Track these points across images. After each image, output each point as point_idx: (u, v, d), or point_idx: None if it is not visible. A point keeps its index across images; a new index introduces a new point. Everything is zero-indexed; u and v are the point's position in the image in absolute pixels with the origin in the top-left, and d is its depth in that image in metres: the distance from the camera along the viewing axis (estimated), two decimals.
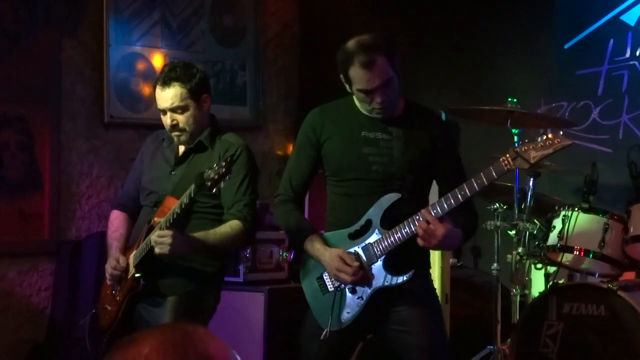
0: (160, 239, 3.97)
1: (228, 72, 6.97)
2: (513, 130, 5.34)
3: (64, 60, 6.09)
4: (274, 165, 7.17)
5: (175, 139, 4.27)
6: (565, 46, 6.28)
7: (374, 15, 7.00)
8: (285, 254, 5.83)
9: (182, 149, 4.33)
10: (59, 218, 6.04)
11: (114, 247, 4.36)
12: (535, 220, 5.28)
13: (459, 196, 3.62)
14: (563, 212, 5.05)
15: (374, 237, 3.77)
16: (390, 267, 3.76)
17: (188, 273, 4.18)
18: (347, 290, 3.81)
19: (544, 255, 5.18)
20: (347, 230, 3.83)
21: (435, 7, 6.77)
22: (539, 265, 5.30)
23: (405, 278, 3.75)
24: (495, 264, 5.36)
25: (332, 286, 3.84)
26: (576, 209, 5.02)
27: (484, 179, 3.60)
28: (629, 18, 6.09)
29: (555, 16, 6.36)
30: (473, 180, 3.62)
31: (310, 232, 3.89)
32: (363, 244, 3.79)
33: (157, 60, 6.52)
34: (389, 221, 3.75)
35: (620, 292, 4.71)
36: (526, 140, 3.59)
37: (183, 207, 3.93)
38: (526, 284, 5.37)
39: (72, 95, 6.15)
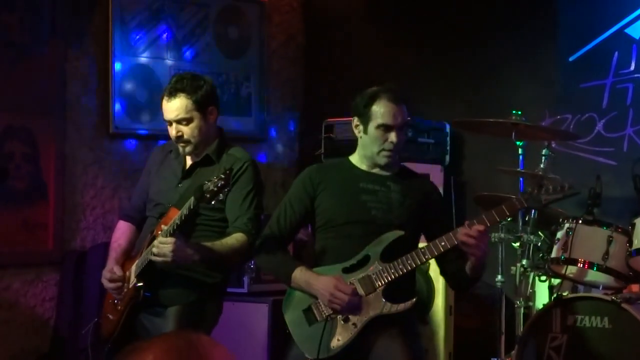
0: (161, 246, 3.98)
1: (233, 83, 6.98)
2: (517, 143, 5.34)
3: (70, 72, 6.11)
4: (278, 176, 7.18)
5: (181, 149, 4.28)
6: (570, 59, 6.28)
7: (378, 27, 7.01)
8: None
9: (189, 161, 4.33)
10: (64, 228, 6.04)
11: (111, 258, 4.38)
12: (539, 233, 5.27)
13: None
14: (567, 225, 5.04)
15: (373, 269, 3.86)
16: (389, 297, 3.84)
17: (190, 283, 4.18)
18: (339, 319, 3.85)
19: (548, 267, 5.18)
20: (341, 265, 3.90)
21: (439, 19, 6.78)
22: (543, 278, 5.29)
23: (408, 305, 3.85)
24: (499, 276, 5.35)
25: (321, 316, 3.88)
26: (580, 221, 5.02)
27: (495, 215, 3.81)
28: (634, 31, 6.09)
29: (560, 29, 6.36)
30: (484, 215, 3.81)
31: (299, 264, 3.95)
32: (360, 276, 3.86)
33: (162, 72, 6.53)
34: (388, 256, 3.86)
35: (624, 305, 4.70)
36: (535, 187, 3.84)
37: (183, 218, 3.94)
38: (530, 296, 5.36)
39: (77, 106, 6.16)
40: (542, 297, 5.38)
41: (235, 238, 4.11)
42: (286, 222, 4.04)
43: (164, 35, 6.60)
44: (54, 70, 6.02)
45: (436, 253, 3.83)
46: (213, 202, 3.86)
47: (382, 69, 6.70)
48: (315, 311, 3.89)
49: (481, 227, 3.74)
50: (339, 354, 3.84)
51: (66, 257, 6.00)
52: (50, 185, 5.97)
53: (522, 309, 5.28)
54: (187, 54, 6.72)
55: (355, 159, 4.07)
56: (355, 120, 3.97)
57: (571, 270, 5.07)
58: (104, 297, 4.51)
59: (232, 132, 6.88)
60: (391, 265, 3.84)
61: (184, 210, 3.92)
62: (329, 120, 6.34)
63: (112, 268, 4.31)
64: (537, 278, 5.34)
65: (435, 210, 4.04)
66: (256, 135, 7.11)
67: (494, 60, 6.54)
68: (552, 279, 5.30)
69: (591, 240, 4.97)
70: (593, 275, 5.11)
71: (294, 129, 7.34)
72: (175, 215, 4.01)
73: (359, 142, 4.02)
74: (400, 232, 3.88)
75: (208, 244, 4.08)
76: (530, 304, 5.34)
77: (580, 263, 4.98)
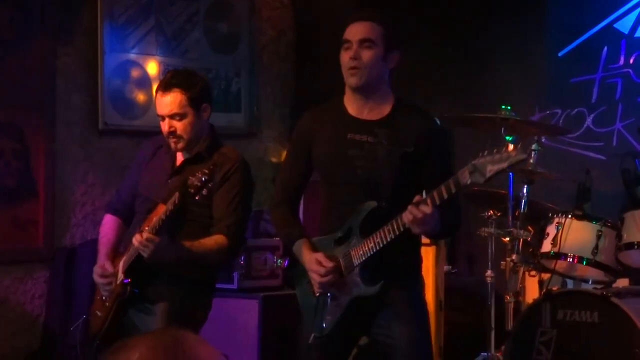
0: (138, 243, 3.99)
1: (223, 79, 6.98)
2: (507, 138, 5.35)
3: (59, 68, 6.10)
4: (269, 172, 7.17)
5: (173, 145, 4.26)
6: (559, 54, 6.29)
7: None
8: (279, 260, 5.82)
9: (180, 158, 4.32)
10: (54, 225, 6.03)
11: (101, 253, 4.37)
12: (529, 227, 5.28)
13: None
14: (557, 219, 5.05)
15: (353, 245, 3.75)
16: (367, 277, 3.74)
17: (179, 280, 4.17)
18: (329, 296, 3.81)
19: (537, 262, 5.19)
20: (333, 236, 3.84)
21: (429, 15, 6.78)
22: (533, 272, 5.31)
23: (377, 289, 3.71)
24: (489, 271, 5.36)
25: (315, 292, 3.85)
26: (570, 216, 5.03)
27: (443, 191, 3.53)
28: (623, 26, 6.10)
29: (549, 24, 6.37)
30: (435, 191, 3.54)
31: (299, 237, 3.90)
32: (345, 251, 3.78)
33: (152, 68, 6.52)
34: (369, 228, 3.71)
35: (613, 299, 4.71)
36: (486, 152, 3.53)
37: (168, 214, 3.92)
38: (520, 291, 5.38)
39: (67, 102, 6.15)
40: (532, 291, 5.39)
41: (215, 240, 4.11)
42: (289, 183, 3.99)
43: (154, 31, 6.59)
44: (43, 66, 6.01)
45: (396, 231, 3.63)
46: (197, 197, 3.85)
47: None
48: (313, 285, 3.86)
49: (427, 210, 3.51)
50: (335, 330, 3.79)
51: (56, 254, 5.99)
52: (39, 182, 5.96)
53: (512, 304, 5.29)
54: (177, 49, 6.71)
55: (346, 99, 3.89)
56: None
57: (561, 264, 5.08)
58: (93, 294, 4.51)
59: (222, 127, 6.85)
60: (367, 240, 3.68)
61: (169, 205, 3.91)
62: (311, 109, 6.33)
63: (103, 264, 4.30)
64: (527, 273, 5.35)
65: (425, 166, 3.78)
66: (246, 131, 7.10)
67: (483, 55, 6.55)
68: (542, 274, 5.32)
69: (581, 235, 4.99)
70: (582, 270, 5.13)
71: (284, 124, 7.33)
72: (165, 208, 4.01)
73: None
74: (374, 204, 3.71)
75: (187, 244, 4.07)
76: (520, 298, 5.36)
77: (570, 257, 5.00)
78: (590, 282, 5.14)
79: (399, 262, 3.79)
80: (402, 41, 3.92)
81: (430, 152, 3.80)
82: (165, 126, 4.22)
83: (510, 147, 3.54)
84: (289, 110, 7.34)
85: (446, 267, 5.87)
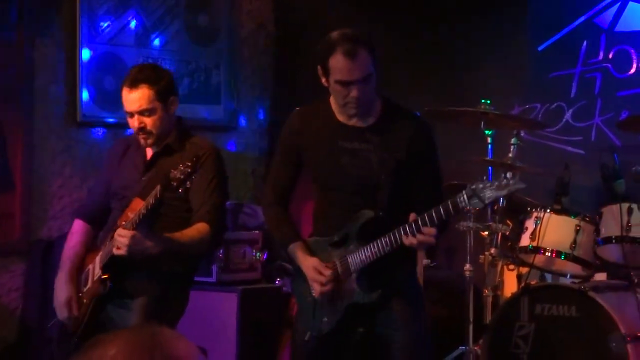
0: (119, 239, 3.96)
1: (202, 71, 6.96)
2: (486, 132, 5.37)
3: (37, 59, 6.06)
4: (248, 165, 7.17)
5: (142, 141, 4.24)
6: (539, 48, 6.31)
7: (349, 16, 7.00)
8: (258, 254, 5.82)
9: (150, 153, 4.30)
10: (30, 218, 6.00)
11: (63, 270, 4.35)
12: (507, 222, 5.30)
13: (412, 228, 3.62)
14: (535, 214, 5.07)
15: (350, 251, 3.76)
16: (364, 284, 3.76)
17: (156, 275, 4.15)
18: (326, 299, 3.81)
19: (516, 256, 5.20)
20: (328, 239, 3.83)
21: (410, 9, 6.78)
22: (512, 266, 5.32)
23: (374, 297, 3.75)
24: (467, 265, 5.37)
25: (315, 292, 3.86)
26: (548, 210, 5.04)
27: (442, 212, 3.59)
28: (602, 21, 6.12)
29: (529, 18, 6.38)
30: (433, 211, 3.59)
31: (294, 238, 3.88)
32: (341, 256, 3.79)
33: (131, 60, 6.49)
34: (367, 236, 3.73)
35: (591, 293, 4.73)
36: (484, 178, 3.62)
37: (149, 207, 3.90)
38: (498, 285, 5.39)
39: (45, 94, 6.12)
40: (510, 285, 5.41)
41: (197, 229, 4.09)
42: (279, 183, 3.96)
43: (133, 23, 6.55)
44: (21, 58, 5.97)
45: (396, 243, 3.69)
46: (180, 190, 3.84)
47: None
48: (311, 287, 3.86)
49: (430, 238, 3.60)
50: (332, 332, 3.80)
51: (33, 247, 5.96)
52: (17, 174, 5.92)
53: (490, 298, 5.30)
54: (156, 41, 6.69)
55: (334, 103, 3.84)
56: (319, 69, 3.76)
57: (539, 259, 5.09)
58: None
59: (201, 120, 6.86)
60: (366, 248, 3.71)
61: (150, 199, 3.89)
62: (298, 108, 6.32)
63: (62, 285, 4.31)
64: (505, 267, 5.36)
65: (417, 169, 3.80)
66: (226, 123, 7.08)
67: (463, 49, 6.55)
68: (521, 268, 5.33)
69: (559, 229, 5.00)
70: (561, 264, 5.14)
71: (264, 117, 7.32)
72: (139, 206, 3.99)
73: (329, 89, 3.81)
74: (371, 213, 3.73)
75: (169, 235, 4.05)
76: (499, 292, 5.37)
77: (548, 252, 5.02)
78: (568, 277, 5.16)
79: (395, 270, 3.81)
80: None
81: (422, 158, 3.82)
82: (134, 122, 4.19)
83: (509, 175, 3.61)
84: (269, 103, 7.33)
85: (425, 261, 5.87)
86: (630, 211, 4.78)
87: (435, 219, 3.58)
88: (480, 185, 3.57)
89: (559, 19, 6.26)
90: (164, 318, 4.00)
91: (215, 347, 5.34)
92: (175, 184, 3.79)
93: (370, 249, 3.70)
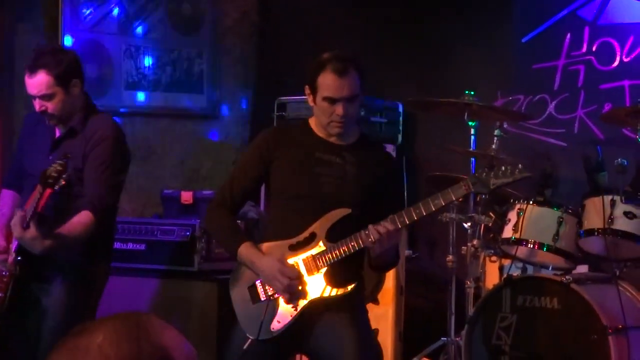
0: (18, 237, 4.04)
1: (185, 60, 6.93)
2: (470, 123, 5.36)
3: (18, 45, 6.03)
4: (230, 154, 7.14)
5: (47, 122, 4.31)
6: (523, 40, 6.31)
7: (331, 6, 6.99)
8: None
9: (58, 131, 4.36)
10: None
11: None
12: (490, 213, 5.30)
13: (414, 214, 3.65)
14: (518, 205, 5.07)
15: (318, 249, 3.74)
16: (331, 280, 3.75)
17: (62, 259, 4.23)
18: (280, 299, 3.77)
19: (498, 248, 5.21)
20: (287, 242, 3.79)
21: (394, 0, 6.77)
22: (494, 258, 5.33)
23: (349, 289, 3.76)
24: (450, 256, 5.37)
25: (264, 295, 3.80)
26: (531, 202, 5.05)
27: (441, 199, 3.65)
28: (586, 13, 6.13)
29: (513, 10, 6.38)
30: (430, 200, 3.65)
31: (246, 238, 3.84)
32: (304, 256, 3.76)
33: (113, 47, 6.46)
34: (334, 236, 3.73)
35: (573, 285, 4.74)
36: (486, 168, 3.67)
37: (36, 206, 3.97)
38: (480, 277, 5.40)
39: None
40: (492, 277, 5.41)
41: (79, 219, 4.12)
42: (239, 189, 3.90)
43: (116, 10, 6.52)
44: (2, 44, 5.93)
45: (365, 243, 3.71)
46: (57, 187, 3.91)
47: (336, 47, 6.66)
48: (259, 289, 3.81)
49: (390, 227, 3.62)
50: (281, 335, 3.76)
51: None
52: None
53: (472, 289, 5.31)
54: (139, 29, 6.65)
55: (313, 123, 3.89)
56: (307, 89, 3.83)
57: (521, 250, 5.10)
58: None
59: (184, 109, 6.84)
60: (336, 245, 3.71)
61: (33, 202, 3.97)
62: (281, 98, 6.32)
63: None
64: (487, 258, 5.37)
65: (388, 186, 3.87)
66: (208, 112, 7.06)
67: (447, 40, 6.54)
68: (503, 260, 5.34)
69: (542, 221, 5.01)
70: (543, 256, 5.15)
71: (247, 106, 7.30)
72: (36, 194, 4.04)
73: (313, 109, 3.86)
74: (347, 210, 3.73)
75: (57, 232, 4.09)
76: (481, 284, 5.38)
77: (531, 244, 5.02)
78: (550, 269, 5.17)
79: (357, 266, 3.85)
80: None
81: (394, 187, 3.92)
82: (37, 105, 4.26)
83: (520, 166, 3.67)
84: (252, 93, 7.30)
85: (407, 252, 5.88)
86: (612, 203, 4.79)
87: (433, 205, 3.63)
88: (484, 174, 3.65)
89: (543, 10, 6.26)
90: (87, 288, 4.22)
91: (195, 336, 5.32)
92: (50, 181, 3.88)
93: (339, 247, 3.71)
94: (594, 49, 6.08)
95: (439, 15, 6.59)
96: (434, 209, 3.66)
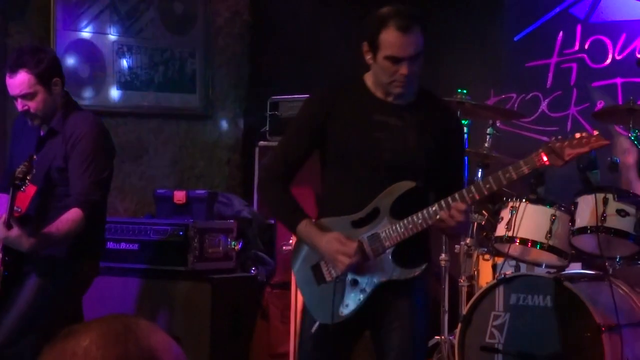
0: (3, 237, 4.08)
1: (177, 59, 6.91)
2: (462, 121, 5.35)
3: (10, 46, 6.00)
4: (223, 154, 7.14)
5: (30, 122, 4.34)
6: (515, 38, 6.31)
7: (324, 5, 6.98)
8: (233, 243, 5.79)
9: (42, 133, 4.40)
10: None
11: None
12: (483, 211, 5.30)
13: (484, 189, 3.47)
14: (511, 203, 5.06)
15: (382, 227, 3.52)
16: (399, 260, 3.53)
17: (49, 256, 4.27)
18: (347, 281, 3.55)
19: (491, 246, 5.21)
20: (349, 217, 3.56)
21: None
22: (487, 256, 5.32)
23: (417, 272, 3.54)
24: (443, 255, 5.37)
25: (330, 276, 3.58)
26: (524, 200, 5.04)
27: (512, 173, 3.46)
28: (578, 11, 6.13)
29: (506, 8, 6.39)
30: (501, 173, 3.46)
31: (305, 216, 3.58)
32: (369, 233, 3.53)
33: (105, 47, 6.44)
34: (399, 211, 3.51)
35: (566, 283, 4.73)
36: (559, 137, 3.45)
37: (11, 211, 4.01)
38: (474, 275, 5.39)
39: None
40: (485, 275, 5.41)
41: (69, 214, 4.17)
42: (293, 158, 3.63)
43: (108, 10, 6.50)
44: None
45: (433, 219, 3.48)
46: (23, 188, 3.96)
47: (328, 46, 6.67)
48: (324, 270, 3.58)
49: (462, 206, 3.41)
50: (348, 320, 3.54)
51: None
52: None
53: (465, 288, 5.31)
54: (131, 29, 6.64)
55: (369, 81, 3.61)
56: (365, 46, 3.54)
57: (514, 248, 5.10)
58: None
59: (176, 108, 6.83)
60: (401, 223, 3.47)
61: (9, 202, 4.01)
62: (274, 97, 6.31)
63: None
64: (480, 257, 5.37)
65: (450, 150, 3.62)
66: (201, 112, 7.05)
67: (439, 38, 6.52)
68: (496, 258, 5.33)
69: (534, 219, 5.00)
70: (536, 254, 5.15)
71: (239, 106, 7.29)
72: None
73: (371, 67, 3.58)
74: (412, 184, 3.49)
75: (45, 231, 4.14)
76: (474, 282, 5.37)
77: (524, 242, 5.01)
78: (543, 267, 5.16)
79: (427, 246, 3.64)
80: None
81: (452, 149, 3.68)
82: (19, 105, 4.29)
83: (595, 132, 3.45)
84: (244, 92, 7.30)
85: None
86: (605, 201, 4.79)
87: (504, 179, 3.44)
88: (557, 143, 3.43)
89: (535, 9, 6.26)
90: (71, 283, 4.30)
91: (188, 336, 5.31)
92: (17, 182, 3.94)
93: (406, 224, 3.48)
94: (586, 46, 6.09)
95: (431, 13, 6.58)
96: (505, 183, 3.47)
